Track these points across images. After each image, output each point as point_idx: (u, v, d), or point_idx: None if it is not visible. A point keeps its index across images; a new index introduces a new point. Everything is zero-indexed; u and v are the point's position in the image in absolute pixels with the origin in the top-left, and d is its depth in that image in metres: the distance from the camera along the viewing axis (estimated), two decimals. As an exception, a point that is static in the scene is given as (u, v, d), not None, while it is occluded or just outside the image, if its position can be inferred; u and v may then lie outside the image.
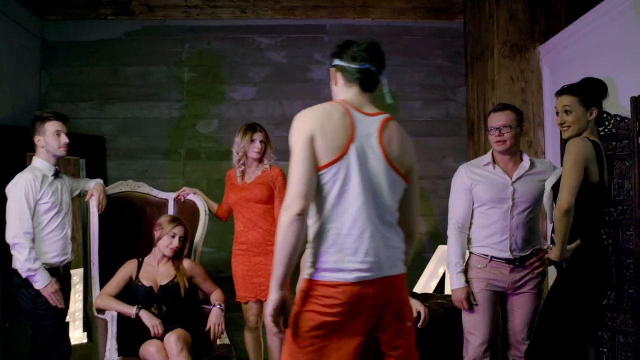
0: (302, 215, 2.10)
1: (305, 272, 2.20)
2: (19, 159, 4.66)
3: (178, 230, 3.73)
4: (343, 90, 2.34)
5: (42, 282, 3.41)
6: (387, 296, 2.15)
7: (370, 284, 2.13)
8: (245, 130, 3.99)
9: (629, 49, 3.62)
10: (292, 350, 2.16)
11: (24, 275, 3.40)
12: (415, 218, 2.36)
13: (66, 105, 5.17)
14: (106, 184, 4.28)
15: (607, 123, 3.50)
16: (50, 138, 3.56)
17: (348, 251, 2.13)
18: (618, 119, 3.46)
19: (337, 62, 2.34)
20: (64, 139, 3.59)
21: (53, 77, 5.46)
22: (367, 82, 2.32)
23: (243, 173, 4.02)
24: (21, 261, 3.38)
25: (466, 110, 5.48)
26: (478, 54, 5.18)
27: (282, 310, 2.16)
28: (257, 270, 3.90)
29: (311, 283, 2.15)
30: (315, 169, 2.17)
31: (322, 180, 2.19)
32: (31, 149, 4.65)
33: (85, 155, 5.09)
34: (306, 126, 2.19)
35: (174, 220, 3.78)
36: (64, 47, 5.47)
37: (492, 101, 4.77)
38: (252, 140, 3.95)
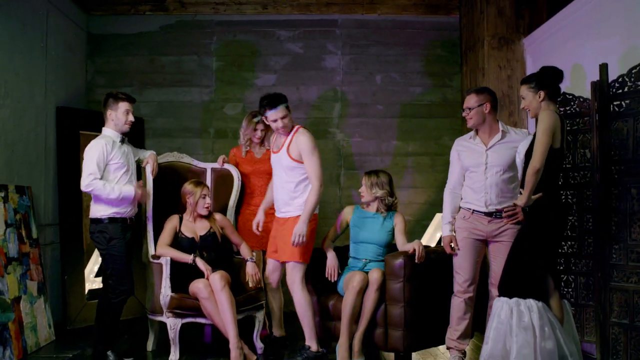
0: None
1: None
2: (73, 135, 5.39)
3: (205, 191, 4.40)
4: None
5: (129, 192, 4.09)
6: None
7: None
8: (251, 119, 4.76)
9: (593, 40, 4.29)
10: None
11: (117, 198, 4.04)
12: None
13: (109, 90, 5.48)
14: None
15: (572, 103, 4.17)
16: (121, 115, 4.18)
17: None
18: (582, 99, 4.12)
19: (287, 104, 4.16)
20: (131, 118, 4.22)
21: (97, 66, 6.12)
22: None
23: (247, 152, 4.80)
24: (105, 194, 4.01)
25: (461, 95, 6.06)
26: (471, 45, 5.80)
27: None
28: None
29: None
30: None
31: None
32: (83, 127, 5.40)
33: (127, 134, 5.67)
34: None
35: (198, 183, 4.43)
36: (107, 39, 6.11)
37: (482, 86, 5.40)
38: (254, 130, 4.74)
